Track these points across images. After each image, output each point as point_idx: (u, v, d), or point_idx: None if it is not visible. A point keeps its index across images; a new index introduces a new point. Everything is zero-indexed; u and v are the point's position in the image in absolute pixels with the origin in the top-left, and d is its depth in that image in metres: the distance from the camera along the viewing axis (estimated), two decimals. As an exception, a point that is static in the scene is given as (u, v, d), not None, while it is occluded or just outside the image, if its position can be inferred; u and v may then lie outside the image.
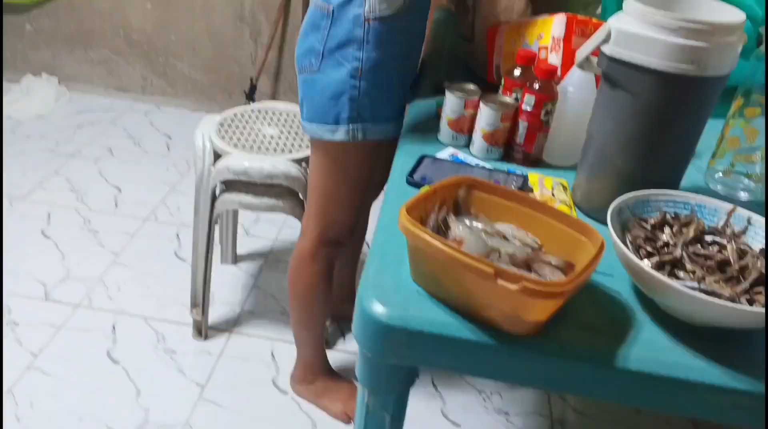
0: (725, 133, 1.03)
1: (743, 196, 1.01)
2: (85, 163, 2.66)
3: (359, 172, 1.31)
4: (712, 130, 0.96)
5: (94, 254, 2.14)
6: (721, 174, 1.03)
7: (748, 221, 0.78)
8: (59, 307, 1.90)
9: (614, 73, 0.83)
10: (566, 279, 0.65)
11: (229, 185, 1.63)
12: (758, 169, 1.01)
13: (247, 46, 2.96)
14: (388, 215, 0.87)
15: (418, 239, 0.67)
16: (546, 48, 1.12)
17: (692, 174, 1.02)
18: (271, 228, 2.37)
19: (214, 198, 1.65)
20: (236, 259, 2.16)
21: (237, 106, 1.82)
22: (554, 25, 1.11)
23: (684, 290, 0.64)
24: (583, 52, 0.89)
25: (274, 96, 3.09)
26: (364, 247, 1.92)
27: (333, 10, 1.15)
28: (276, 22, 2.82)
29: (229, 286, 2.05)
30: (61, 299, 1.93)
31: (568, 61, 1.10)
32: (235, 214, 2.07)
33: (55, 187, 2.48)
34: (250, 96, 2.91)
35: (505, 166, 1.05)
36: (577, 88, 1.01)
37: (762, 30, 1.00)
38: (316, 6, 1.18)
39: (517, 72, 1.09)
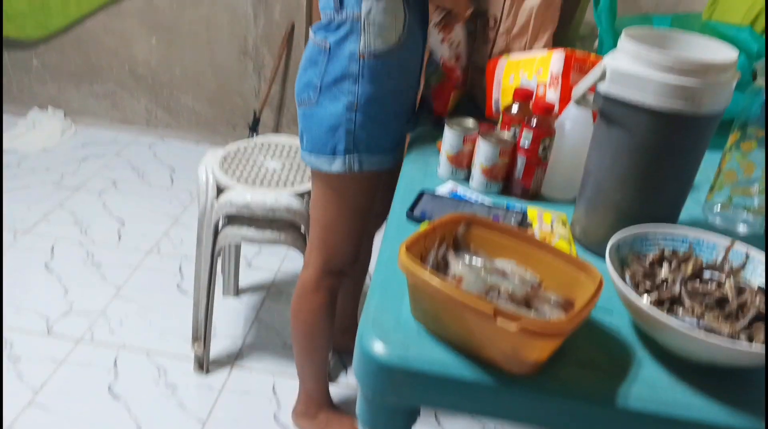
0: (722, 167, 1.04)
1: (742, 229, 1.02)
2: (89, 196, 2.68)
3: (359, 202, 1.33)
4: (709, 162, 0.97)
5: (97, 287, 2.14)
6: (719, 207, 1.04)
7: (746, 256, 0.78)
8: (61, 341, 1.89)
9: (610, 111, 0.84)
10: (565, 318, 0.65)
11: (232, 219, 1.64)
12: (756, 202, 1.02)
13: (251, 79, 3.00)
14: (388, 251, 0.88)
15: (417, 278, 0.67)
16: (545, 84, 1.14)
17: (691, 207, 1.02)
18: (274, 260, 2.37)
19: (216, 231, 1.65)
20: (238, 291, 2.16)
21: (240, 140, 1.84)
22: (553, 62, 1.13)
23: (682, 329, 0.64)
24: (579, 89, 0.90)
25: (277, 128, 3.12)
26: (367, 279, 1.92)
27: (330, 47, 1.19)
28: (279, 55, 2.86)
29: (230, 319, 2.05)
30: (63, 333, 1.92)
31: (566, 97, 1.11)
32: (238, 245, 2.07)
33: (59, 220, 2.50)
34: (254, 128, 2.94)
35: (504, 201, 1.06)
36: (575, 123, 1.02)
37: (757, 65, 1.02)
38: (314, 43, 1.22)
39: (515, 108, 1.10)
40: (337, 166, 1.24)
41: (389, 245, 0.90)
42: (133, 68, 3.08)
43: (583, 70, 1.10)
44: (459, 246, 0.80)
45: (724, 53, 0.82)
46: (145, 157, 3.05)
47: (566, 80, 1.11)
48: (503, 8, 1.28)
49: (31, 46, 3.10)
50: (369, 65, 1.17)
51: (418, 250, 0.75)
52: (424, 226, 0.78)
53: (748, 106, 1.03)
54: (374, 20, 1.15)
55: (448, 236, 0.79)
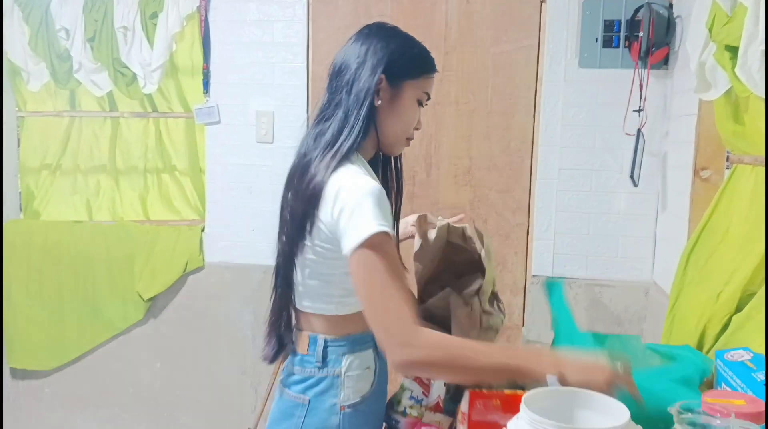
0: None
1: None
2: None
3: None
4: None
5: None
6: None
7: None
8: None
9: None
10: None
11: None
12: None
13: (248, 395, 3.06)
14: None
15: None
16: (459, 421, 1.20)
17: None
18: None
19: None
20: None
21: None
22: (462, 400, 1.20)
23: None
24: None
25: (275, 444, 3.06)
26: None
27: (309, 401, 1.24)
28: (275, 372, 2.94)
29: None
30: None
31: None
32: None
33: None
34: (248, 447, 2.89)
35: None
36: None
37: (671, 409, 1.04)
38: (289, 396, 1.27)
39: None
40: None
41: None
42: (137, 391, 3.18)
43: (488, 407, 1.15)
44: None
45: (618, 416, 0.85)
46: (139, 484, 2.95)
47: (470, 417, 1.16)
48: None
49: (44, 376, 3.25)
50: (349, 416, 1.23)
51: None
52: None
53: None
54: (353, 374, 1.23)
55: None
